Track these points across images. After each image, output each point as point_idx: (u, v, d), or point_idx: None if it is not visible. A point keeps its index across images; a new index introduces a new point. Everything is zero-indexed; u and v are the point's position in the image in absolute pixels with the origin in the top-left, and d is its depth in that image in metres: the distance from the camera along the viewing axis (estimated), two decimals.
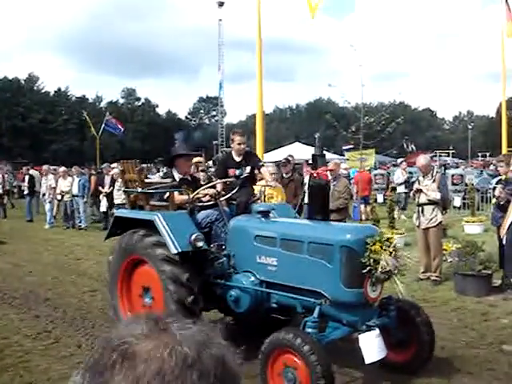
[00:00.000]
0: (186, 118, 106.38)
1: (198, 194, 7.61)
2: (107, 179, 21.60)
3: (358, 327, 6.19)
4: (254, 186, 8.65)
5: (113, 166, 23.44)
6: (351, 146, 44.27)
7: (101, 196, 21.69)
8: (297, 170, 18.40)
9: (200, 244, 7.00)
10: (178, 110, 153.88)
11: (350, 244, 6.11)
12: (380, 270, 5.93)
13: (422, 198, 11.22)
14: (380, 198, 24.64)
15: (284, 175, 13.82)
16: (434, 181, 11.27)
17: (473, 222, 18.40)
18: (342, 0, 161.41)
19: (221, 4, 58.06)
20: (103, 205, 21.37)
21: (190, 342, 1.10)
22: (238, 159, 8.49)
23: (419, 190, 11.27)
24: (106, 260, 8.20)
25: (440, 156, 57.10)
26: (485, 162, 46.52)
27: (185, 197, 7.58)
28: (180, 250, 6.88)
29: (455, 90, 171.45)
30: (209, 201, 7.77)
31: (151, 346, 1.09)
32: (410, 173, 27.12)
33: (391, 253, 6.01)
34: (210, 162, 48.91)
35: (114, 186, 20.44)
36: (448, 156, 63.26)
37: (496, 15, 23.00)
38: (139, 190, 7.50)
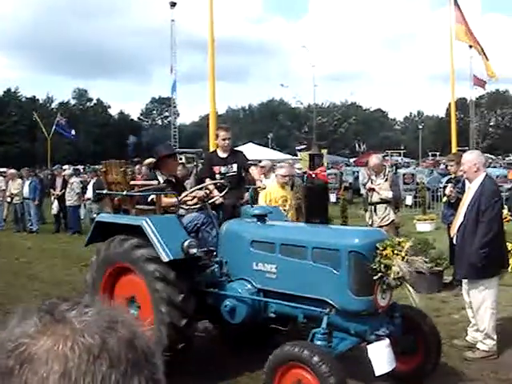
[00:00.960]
0: (139, 118, 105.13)
1: (186, 196, 7.24)
2: (59, 181, 21.29)
3: (367, 337, 5.81)
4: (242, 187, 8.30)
5: (64, 167, 23.10)
6: (304, 147, 44.61)
7: (52, 198, 21.36)
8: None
9: (194, 251, 6.52)
10: (131, 110, 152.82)
11: (359, 249, 5.73)
12: (393, 276, 5.58)
13: (375, 197, 11.22)
14: (333, 198, 24.83)
15: None
16: (386, 180, 11.38)
17: (424, 220, 18.67)
18: (296, 1, 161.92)
19: (173, 4, 57.59)
20: (54, 207, 21.03)
21: (92, 330, 0.98)
22: (223, 155, 8.14)
23: (372, 189, 11.39)
24: (87, 268, 7.77)
25: (391, 156, 57.91)
26: (435, 162, 47.34)
27: (172, 199, 7.17)
28: (172, 258, 6.39)
29: (406, 91, 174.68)
30: (196, 204, 7.37)
31: (50, 344, 0.96)
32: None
33: (403, 257, 5.66)
34: None
35: (65, 188, 20.18)
36: (399, 156, 64.22)
37: (445, 18, 23.28)
38: (125, 192, 6.95)
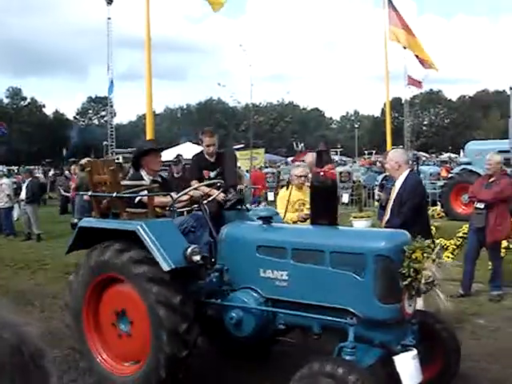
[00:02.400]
0: (75, 118, 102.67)
1: (182, 196, 6.69)
2: None
3: (393, 348, 5.38)
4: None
5: None
6: (241, 146, 44.64)
7: None
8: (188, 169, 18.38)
9: (197, 258, 5.91)
10: (66, 110, 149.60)
11: (386, 252, 5.24)
12: (424, 280, 5.19)
13: None
14: (271, 197, 24.92)
15: (175, 174, 13.86)
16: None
17: (360, 217, 18.85)
18: (236, 0, 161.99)
19: (109, 2, 56.90)
20: None
21: None
22: (211, 160, 7.67)
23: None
24: (67, 281, 6.96)
25: None
26: (371, 160, 48.00)
27: (164, 200, 6.62)
28: (174, 267, 5.74)
29: (343, 90, 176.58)
30: (184, 206, 6.86)
31: None
32: None
33: (434, 260, 5.28)
34: None
35: None
36: (336, 154, 64.70)
37: (380, 19, 23.71)
38: (115, 194, 6.16)
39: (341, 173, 27.15)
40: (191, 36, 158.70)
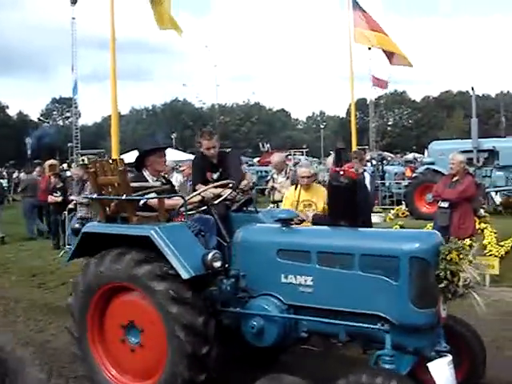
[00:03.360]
0: (39, 119, 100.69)
1: (192, 198, 6.32)
2: None
3: (427, 354, 5.12)
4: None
5: None
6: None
7: None
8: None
9: (218, 264, 5.58)
10: (30, 111, 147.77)
11: (422, 254, 4.97)
12: (461, 283, 4.96)
13: (277, 196, 11.20)
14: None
15: None
16: (287, 178, 11.37)
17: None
18: (201, 1, 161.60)
19: (73, 2, 56.22)
20: None
21: None
22: (213, 161, 7.31)
23: (273, 188, 11.38)
24: (71, 283, 6.48)
25: (294, 155, 58.37)
26: None
27: (172, 202, 6.21)
28: (194, 274, 5.41)
29: (308, 91, 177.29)
30: (191, 209, 6.35)
31: None
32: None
33: (470, 262, 5.07)
34: (65, 165, 47.35)
35: None
36: (302, 155, 64.86)
37: (345, 21, 23.84)
38: (124, 196, 5.76)
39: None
40: (157, 36, 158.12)
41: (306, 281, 5.47)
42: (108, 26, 17.18)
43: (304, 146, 75.62)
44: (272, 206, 11.40)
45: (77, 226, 6.51)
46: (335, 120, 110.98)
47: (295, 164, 41.14)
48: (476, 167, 20.17)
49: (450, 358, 5.11)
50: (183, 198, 6.04)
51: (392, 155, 57.49)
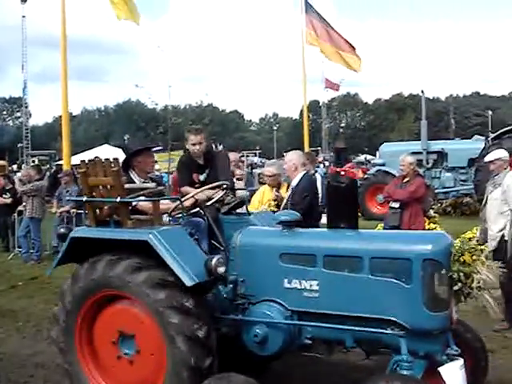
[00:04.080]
0: None
1: (185, 200, 5.97)
2: None
3: (439, 358, 4.97)
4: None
5: None
6: (160, 148, 44.20)
7: None
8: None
9: (222, 270, 5.29)
10: None
11: (435, 256, 4.84)
12: (475, 284, 4.85)
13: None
14: None
15: None
16: (241, 179, 11.37)
17: None
18: (156, 1, 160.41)
19: (23, 0, 55.19)
20: None
21: None
22: (200, 162, 7.00)
23: None
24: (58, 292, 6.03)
25: (247, 156, 58.46)
26: None
27: (167, 205, 5.96)
28: (197, 281, 5.10)
29: (262, 93, 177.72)
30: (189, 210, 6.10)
31: None
32: None
33: (483, 263, 4.98)
34: (15, 166, 46.34)
35: None
36: (255, 156, 64.98)
37: (298, 23, 24.01)
38: (118, 199, 5.41)
39: (259, 174, 27.34)
40: (110, 36, 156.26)
41: (311, 285, 5.26)
42: (59, 25, 16.88)
43: (257, 148, 75.71)
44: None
45: (62, 230, 6.10)
46: (288, 121, 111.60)
47: (248, 165, 41.19)
48: (425, 168, 20.53)
49: (461, 361, 4.99)
50: (180, 199, 5.76)
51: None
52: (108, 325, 5.58)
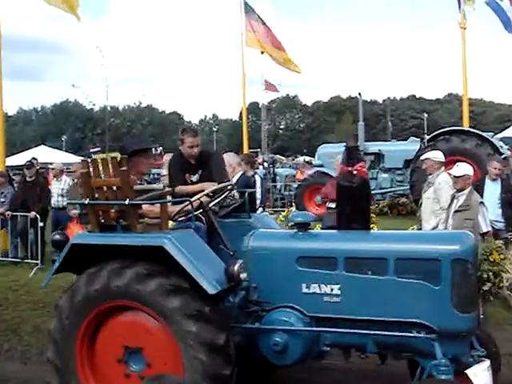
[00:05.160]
0: None
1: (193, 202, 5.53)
2: None
3: (465, 360, 4.85)
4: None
5: None
6: (98, 149, 43.55)
7: None
8: (42, 173, 17.99)
9: (244, 276, 4.99)
10: None
11: (464, 256, 4.73)
12: (505, 283, 4.78)
13: (169, 198, 11.26)
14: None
15: (28, 178, 13.48)
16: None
17: None
18: (97, 1, 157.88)
19: None
20: None
21: None
22: (192, 162, 6.70)
23: None
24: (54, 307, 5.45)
25: None
26: None
27: (174, 208, 5.59)
28: (220, 288, 4.80)
29: (201, 94, 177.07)
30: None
31: None
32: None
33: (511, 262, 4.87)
34: None
35: None
36: None
37: (237, 24, 24.00)
38: (127, 201, 4.99)
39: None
40: (48, 35, 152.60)
41: (331, 290, 5.05)
42: None
43: None
44: None
45: (58, 237, 5.58)
46: (228, 123, 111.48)
47: None
48: None
49: (487, 363, 4.88)
50: (190, 202, 5.37)
51: (283, 158, 58.23)
52: (110, 341, 5.16)
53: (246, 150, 23.67)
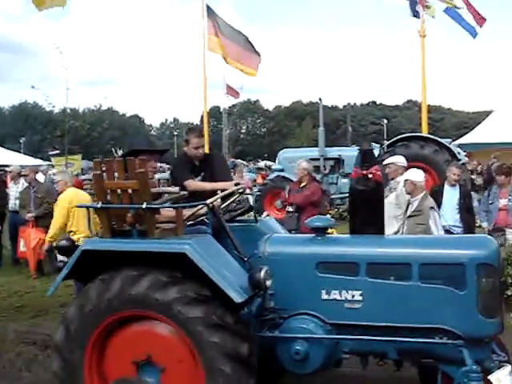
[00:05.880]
0: None
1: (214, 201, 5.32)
2: None
3: (488, 366, 4.77)
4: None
5: None
6: (57, 152, 43.07)
7: None
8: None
9: (270, 282, 4.80)
10: None
11: (489, 261, 4.71)
12: None
13: None
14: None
15: None
16: None
17: None
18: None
19: None
20: None
21: None
22: (196, 163, 6.52)
23: None
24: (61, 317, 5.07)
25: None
26: None
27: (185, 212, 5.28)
28: (246, 297, 4.65)
29: (162, 97, 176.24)
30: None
31: None
32: None
33: None
34: None
35: None
36: (155, 161, 64.25)
37: (200, 28, 23.96)
38: (144, 205, 4.75)
39: (159, 180, 27.43)
40: (8, 35, 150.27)
41: (353, 296, 4.94)
42: None
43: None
44: None
45: (64, 242, 5.32)
46: (189, 127, 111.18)
47: None
48: (323, 174, 20.99)
49: (509, 367, 4.82)
50: (207, 205, 5.12)
51: (245, 162, 58.36)
52: (125, 352, 4.88)
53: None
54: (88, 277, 5.00)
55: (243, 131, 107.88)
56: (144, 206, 4.74)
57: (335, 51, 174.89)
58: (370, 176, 5.35)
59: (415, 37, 19.93)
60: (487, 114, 42.41)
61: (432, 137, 18.06)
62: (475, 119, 69.65)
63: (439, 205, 9.39)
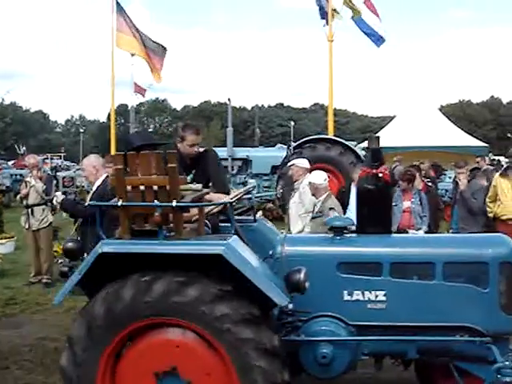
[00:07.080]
0: None
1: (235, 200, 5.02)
2: None
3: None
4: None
5: None
6: None
7: None
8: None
9: (308, 284, 4.58)
10: None
11: (511, 259, 4.82)
12: None
13: (31, 199, 11.33)
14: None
15: None
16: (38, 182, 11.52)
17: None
18: None
19: None
20: None
21: None
22: (187, 161, 6.14)
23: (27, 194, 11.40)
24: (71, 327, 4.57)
25: (52, 159, 56.32)
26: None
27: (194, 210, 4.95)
28: (289, 299, 4.45)
29: (68, 94, 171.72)
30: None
31: None
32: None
33: None
34: None
35: None
36: (60, 159, 62.70)
37: (108, 24, 23.74)
38: (174, 203, 4.36)
39: (64, 177, 27.89)
40: None
41: (376, 296, 4.87)
42: None
43: (62, 150, 73.00)
44: (26, 210, 11.37)
45: (71, 244, 4.90)
46: (95, 124, 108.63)
47: (53, 169, 39.69)
48: (231, 175, 21.23)
49: None
50: (230, 202, 4.78)
51: None
52: (144, 363, 4.48)
53: (113, 153, 23.35)
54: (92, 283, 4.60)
55: (151, 130, 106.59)
56: (174, 204, 4.36)
57: (245, 53, 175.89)
58: (381, 175, 5.25)
59: (324, 41, 20.45)
60: (390, 118, 43.66)
61: (338, 139, 18.46)
62: (379, 123, 72.05)
63: (347, 205, 9.67)
